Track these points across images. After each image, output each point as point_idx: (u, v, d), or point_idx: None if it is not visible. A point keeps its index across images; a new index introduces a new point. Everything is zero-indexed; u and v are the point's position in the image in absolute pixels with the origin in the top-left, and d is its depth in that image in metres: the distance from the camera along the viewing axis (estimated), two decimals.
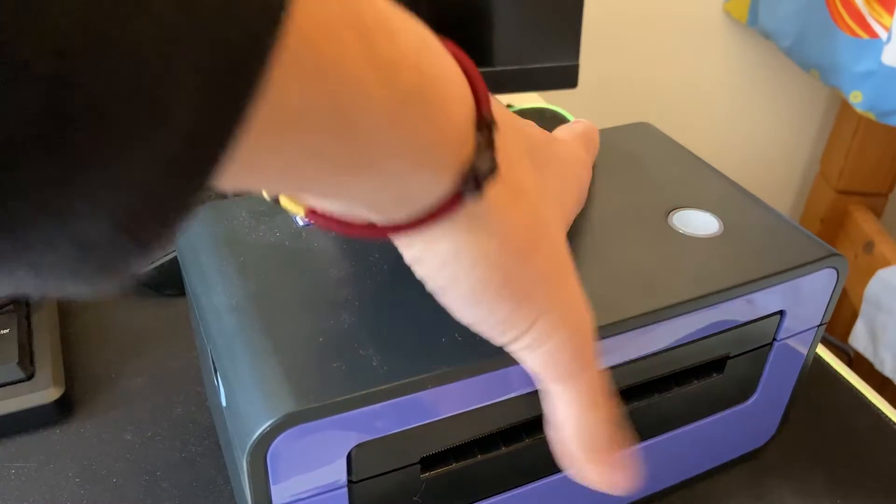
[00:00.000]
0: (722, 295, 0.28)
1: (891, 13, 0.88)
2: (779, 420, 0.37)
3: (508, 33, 0.58)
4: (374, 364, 0.24)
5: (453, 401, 0.25)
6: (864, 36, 0.91)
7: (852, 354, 1.01)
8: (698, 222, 0.32)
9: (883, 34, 0.89)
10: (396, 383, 0.24)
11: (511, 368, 0.25)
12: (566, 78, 0.61)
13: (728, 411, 0.34)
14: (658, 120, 1.20)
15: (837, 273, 0.31)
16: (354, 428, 0.24)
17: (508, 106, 0.73)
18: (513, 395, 0.26)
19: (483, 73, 0.61)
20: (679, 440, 0.33)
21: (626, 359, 0.28)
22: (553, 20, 0.58)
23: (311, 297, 0.27)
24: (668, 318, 0.28)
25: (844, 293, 1.07)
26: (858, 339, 1.00)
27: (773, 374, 0.34)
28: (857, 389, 0.42)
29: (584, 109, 1.12)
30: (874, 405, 0.41)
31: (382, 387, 0.24)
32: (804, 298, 0.31)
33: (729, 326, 0.30)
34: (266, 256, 0.29)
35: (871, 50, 0.90)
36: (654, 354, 0.29)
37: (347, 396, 0.23)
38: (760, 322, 0.31)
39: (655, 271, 0.29)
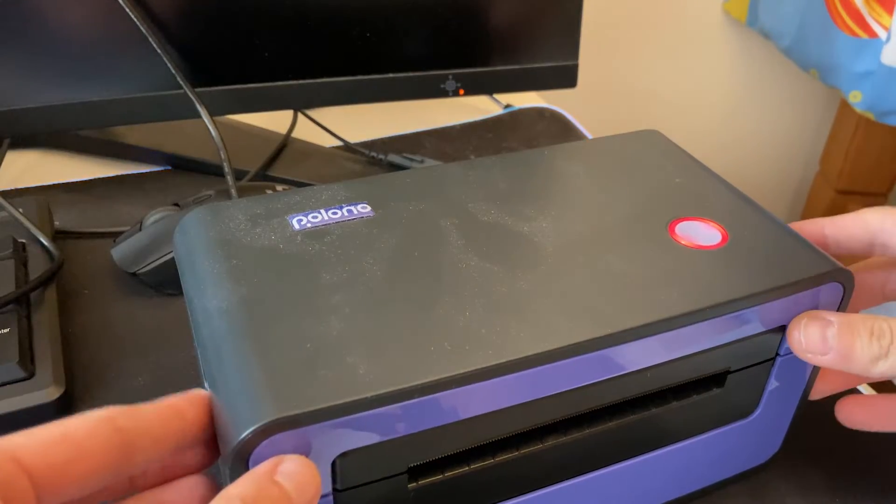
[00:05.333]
0: (721, 308, 0.28)
1: (890, 13, 0.88)
2: (782, 438, 0.36)
3: (508, 33, 0.58)
4: (361, 372, 0.24)
5: (441, 411, 0.25)
6: (864, 36, 0.91)
7: None
8: (701, 233, 0.32)
9: (882, 34, 0.89)
10: (382, 392, 0.23)
11: (501, 378, 0.25)
12: (566, 77, 0.61)
13: (728, 427, 0.33)
14: (656, 120, 1.20)
15: (843, 288, 0.31)
16: (339, 436, 0.23)
17: (508, 106, 0.73)
18: (503, 405, 0.26)
19: (483, 73, 0.61)
20: (676, 456, 0.32)
21: (624, 371, 0.28)
22: (553, 20, 0.59)
23: (302, 303, 0.27)
24: (665, 331, 0.27)
25: None
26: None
27: (777, 390, 0.33)
28: (856, 389, 0.42)
29: (582, 109, 1.12)
30: None
31: (367, 395, 0.23)
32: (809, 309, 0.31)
33: (729, 341, 0.29)
34: (259, 260, 0.29)
35: (870, 50, 0.91)
36: (652, 368, 0.28)
37: (331, 404, 0.23)
38: (763, 336, 0.31)
39: (654, 283, 0.29)
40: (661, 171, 0.36)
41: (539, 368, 0.25)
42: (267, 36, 0.53)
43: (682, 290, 0.28)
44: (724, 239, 0.31)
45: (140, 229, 0.47)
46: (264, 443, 0.22)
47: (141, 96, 0.52)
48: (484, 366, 0.25)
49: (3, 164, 0.55)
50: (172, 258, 0.46)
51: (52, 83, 0.50)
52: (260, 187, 0.52)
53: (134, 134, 0.62)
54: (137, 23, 0.48)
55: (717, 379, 0.31)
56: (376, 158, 0.62)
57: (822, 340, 0.29)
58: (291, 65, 0.55)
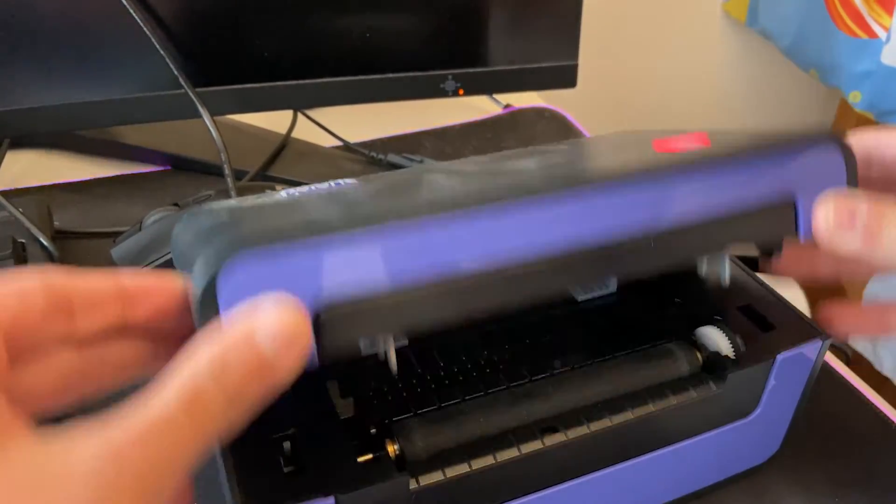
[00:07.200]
0: (720, 163, 0.27)
1: (890, 13, 0.88)
2: (782, 437, 0.36)
3: (508, 33, 0.58)
4: (334, 223, 0.23)
5: (423, 250, 0.23)
6: (864, 36, 0.91)
7: (850, 354, 1.01)
8: (685, 143, 0.30)
9: (882, 34, 0.89)
10: (356, 228, 0.22)
11: (485, 215, 0.24)
12: (565, 77, 0.61)
13: (728, 427, 0.33)
14: (657, 119, 1.20)
15: (844, 157, 0.29)
16: (315, 271, 0.22)
17: (507, 106, 0.73)
18: (493, 249, 0.24)
19: (482, 73, 0.61)
20: (677, 456, 0.32)
21: (622, 226, 0.26)
22: (552, 20, 0.59)
23: (281, 215, 0.27)
24: (665, 181, 0.26)
25: (844, 293, 1.07)
26: (857, 338, 1.00)
27: (777, 389, 0.33)
28: (855, 388, 0.42)
29: (582, 109, 1.12)
30: (873, 404, 0.41)
31: (341, 228, 0.22)
32: (815, 181, 0.28)
33: (732, 207, 0.27)
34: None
35: (870, 50, 0.91)
36: (655, 235, 0.26)
37: (304, 238, 0.22)
38: (768, 215, 0.28)
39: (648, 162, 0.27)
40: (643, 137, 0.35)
41: (522, 205, 0.24)
42: (267, 36, 0.53)
43: (680, 157, 0.27)
44: (707, 144, 0.29)
45: (140, 229, 0.47)
46: (236, 272, 0.21)
47: (142, 96, 0.52)
48: (465, 204, 0.24)
49: (3, 164, 0.55)
50: (171, 259, 0.46)
51: (53, 83, 0.50)
52: (260, 187, 0.52)
53: (134, 134, 0.62)
54: (140, 23, 0.48)
55: (718, 377, 0.32)
56: (376, 158, 0.62)
57: (850, 215, 0.27)
58: (291, 65, 0.55)
